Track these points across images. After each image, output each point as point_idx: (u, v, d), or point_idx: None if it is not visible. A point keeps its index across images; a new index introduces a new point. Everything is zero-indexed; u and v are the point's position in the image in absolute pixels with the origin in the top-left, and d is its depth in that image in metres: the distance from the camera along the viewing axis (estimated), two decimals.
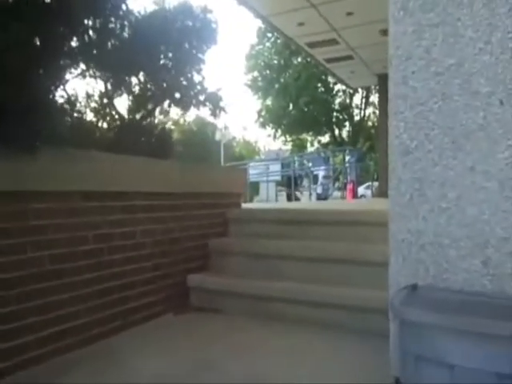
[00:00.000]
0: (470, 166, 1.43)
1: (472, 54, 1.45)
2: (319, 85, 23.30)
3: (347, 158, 15.00)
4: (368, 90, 23.78)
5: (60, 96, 2.89)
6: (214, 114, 4.02)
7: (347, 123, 25.98)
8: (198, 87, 3.86)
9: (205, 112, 4.05)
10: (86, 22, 2.82)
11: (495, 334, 1.11)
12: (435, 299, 1.36)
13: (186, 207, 3.27)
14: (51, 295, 2.28)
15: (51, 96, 2.60)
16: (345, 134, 26.25)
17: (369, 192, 15.78)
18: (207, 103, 3.88)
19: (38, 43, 2.41)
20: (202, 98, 3.86)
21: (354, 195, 13.11)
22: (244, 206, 4.30)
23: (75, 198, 2.43)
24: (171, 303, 3.08)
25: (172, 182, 3.10)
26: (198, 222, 3.40)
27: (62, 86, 2.87)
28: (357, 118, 25.69)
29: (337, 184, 16.43)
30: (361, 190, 16.44)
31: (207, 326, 2.80)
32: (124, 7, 3.11)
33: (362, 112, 25.35)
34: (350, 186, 13.44)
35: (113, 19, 3.08)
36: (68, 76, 3.03)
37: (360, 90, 23.50)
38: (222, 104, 3.97)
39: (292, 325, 2.69)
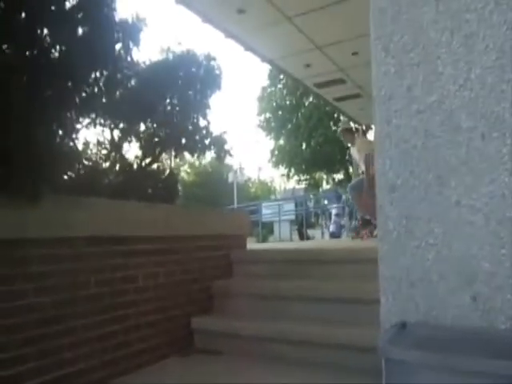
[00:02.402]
0: (455, 201, 1.43)
1: (452, 90, 1.47)
2: (331, 123, 23.44)
3: None
4: None
5: (65, 145, 2.96)
6: (219, 158, 4.09)
7: None
8: (204, 131, 3.95)
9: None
10: (91, 75, 2.93)
11: (488, 372, 1.07)
12: (423, 337, 1.33)
13: (188, 250, 3.28)
14: (53, 340, 2.29)
15: (56, 145, 2.68)
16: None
17: None
18: (212, 147, 3.96)
19: (44, 96, 2.51)
20: (207, 142, 3.94)
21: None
22: (254, 246, 4.27)
23: (77, 243, 2.47)
24: (175, 345, 3.06)
25: (174, 226, 3.13)
26: (201, 265, 3.40)
27: (67, 135, 2.95)
28: None
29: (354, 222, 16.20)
30: None
31: (210, 368, 2.77)
32: (129, 58, 3.24)
33: None
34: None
35: (118, 70, 3.19)
36: (73, 125, 3.13)
37: (373, 126, 23.55)
38: (226, 147, 4.05)
39: (293, 366, 2.65)
